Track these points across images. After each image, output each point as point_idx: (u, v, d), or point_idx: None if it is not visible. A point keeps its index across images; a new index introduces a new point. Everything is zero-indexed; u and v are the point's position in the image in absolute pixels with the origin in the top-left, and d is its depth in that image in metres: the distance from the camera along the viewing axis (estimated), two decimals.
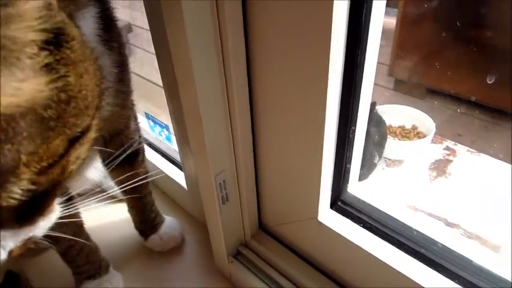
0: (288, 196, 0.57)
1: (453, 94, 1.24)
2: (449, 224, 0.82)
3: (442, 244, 0.48)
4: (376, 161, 0.93)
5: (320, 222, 0.54)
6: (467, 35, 1.18)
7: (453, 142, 1.00)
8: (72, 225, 0.55)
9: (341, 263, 0.56)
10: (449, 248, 0.48)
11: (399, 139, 1.00)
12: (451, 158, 0.96)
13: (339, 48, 0.40)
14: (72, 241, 0.57)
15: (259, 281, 0.61)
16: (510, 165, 0.91)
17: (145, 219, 0.67)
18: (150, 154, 0.78)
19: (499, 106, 1.23)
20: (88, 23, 0.38)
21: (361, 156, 0.54)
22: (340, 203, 0.55)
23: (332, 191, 0.54)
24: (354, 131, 0.48)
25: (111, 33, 0.44)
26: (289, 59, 0.43)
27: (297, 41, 0.41)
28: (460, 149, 0.98)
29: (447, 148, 0.99)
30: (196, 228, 0.73)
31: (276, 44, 0.43)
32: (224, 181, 0.55)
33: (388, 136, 0.99)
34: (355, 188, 0.57)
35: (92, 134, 0.32)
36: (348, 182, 0.54)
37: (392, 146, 0.96)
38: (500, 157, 0.94)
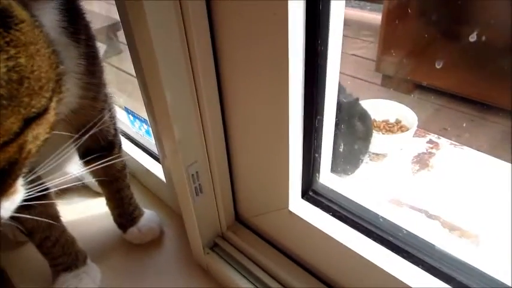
0: (261, 187, 0.58)
1: (440, 89, 1.25)
2: (430, 216, 0.82)
3: (407, 231, 0.48)
4: (362, 156, 0.94)
5: (291, 212, 0.55)
6: (453, 30, 1.18)
7: (436, 135, 1.00)
8: (46, 215, 0.55)
9: (313, 253, 0.57)
10: (415, 235, 0.48)
11: (383, 133, 1.01)
12: (433, 151, 0.97)
13: (297, 38, 0.40)
14: (47, 232, 0.57)
15: (236, 272, 0.61)
16: (492, 157, 0.92)
17: (123, 212, 0.68)
18: (130, 148, 0.79)
19: (486, 100, 1.23)
20: (49, 14, 0.39)
21: (331, 147, 0.55)
22: (312, 193, 0.56)
23: (302, 181, 0.54)
24: (321, 120, 0.49)
25: (77, 26, 0.45)
26: (253, 49, 0.44)
27: (258, 32, 0.42)
28: (443, 142, 0.99)
29: (430, 141, 0.99)
30: (176, 221, 0.73)
31: (240, 36, 0.44)
32: (197, 172, 0.55)
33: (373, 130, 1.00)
34: (328, 179, 0.57)
35: (51, 117, 0.33)
36: (318, 172, 0.55)
37: (376, 140, 0.97)
38: (482, 149, 0.95)
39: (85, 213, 0.75)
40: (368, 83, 1.37)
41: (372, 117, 1.02)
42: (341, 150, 0.87)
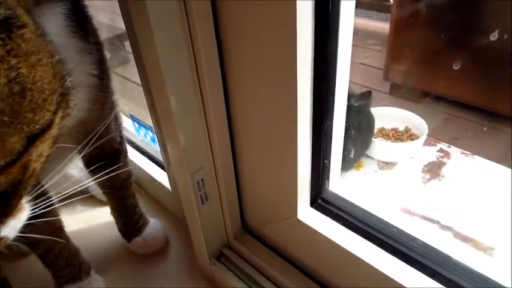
0: (268, 195, 0.56)
1: (449, 97, 1.23)
2: (442, 227, 0.80)
3: (422, 241, 0.47)
4: (361, 154, 0.92)
5: (300, 221, 0.53)
6: (461, 38, 1.17)
7: (447, 144, 0.98)
8: (50, 227, 0.54)
9: (323, 263, 0.55)
10: (430, 245, 0.46)
11: (392, 141, 0.99)
12: (444, 160, 0.95)
13: (306, 43, 0.39)
14: (50, 243, 0.56)
15: (242, 283, 0.60)
16: (505, 167, 0.90)
17: (128, 221, 0.67)
18: (135, 156, 0.78)
19: (496, 109, 1.21)
20: (55, 20, 0.38)
21: (341, 153, 0.54)
22: (321, 200, 0.54)
23: (311, 189, 0.53)
24: (330, 126, 0.48)
25: (86, 30, 0.44)
26: (260, 56, 0.43)
27: (266, 40, 0.41)
28: (454, 151, 0.97)
29: (441, 150, 0.97)
30: (181, 230, 0.72)
31: (247, 43, 0.43)
32: (202, 180, 0.54)
33: (381, 138, 0.98)
34: (337, 186, 0.56)
35: (55, 132, 0.32)
36: (327, 180, 0.53)
37: (385, 148, 0.95)
38: (494, 159, 0.92)
39: (89, 223, 0.74)
40: (376, 92, 1.36)
41: (381, 125, 1.01)
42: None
